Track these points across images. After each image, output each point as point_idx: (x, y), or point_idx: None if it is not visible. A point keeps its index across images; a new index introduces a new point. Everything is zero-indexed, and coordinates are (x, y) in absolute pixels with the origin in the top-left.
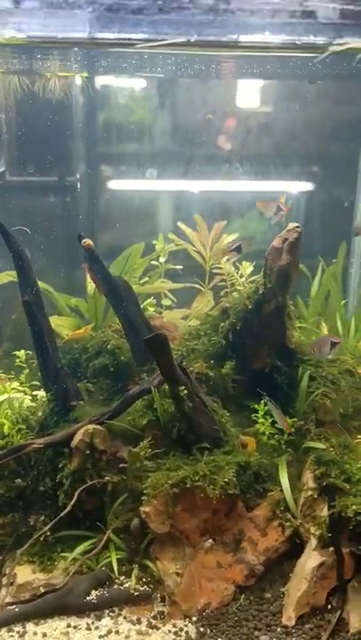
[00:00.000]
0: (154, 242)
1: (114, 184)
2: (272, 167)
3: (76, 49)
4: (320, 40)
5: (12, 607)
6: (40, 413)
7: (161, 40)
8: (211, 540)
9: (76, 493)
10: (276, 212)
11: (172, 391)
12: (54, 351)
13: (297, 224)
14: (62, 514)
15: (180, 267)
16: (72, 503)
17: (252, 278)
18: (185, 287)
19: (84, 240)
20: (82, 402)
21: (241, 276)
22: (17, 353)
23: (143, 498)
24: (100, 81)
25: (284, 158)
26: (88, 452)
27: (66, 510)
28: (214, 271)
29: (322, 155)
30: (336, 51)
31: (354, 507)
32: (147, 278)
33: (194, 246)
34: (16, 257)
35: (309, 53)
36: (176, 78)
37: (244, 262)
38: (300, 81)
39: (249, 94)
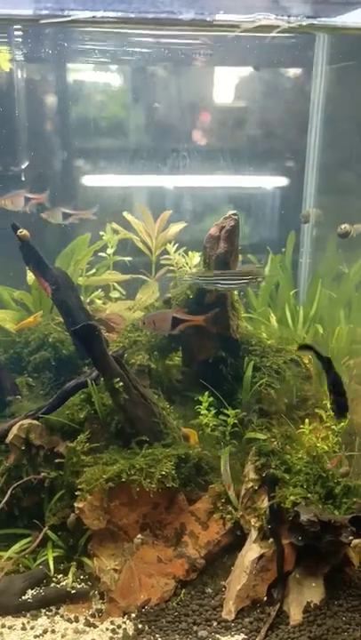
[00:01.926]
0: (101, 232)
1: (60, 174)
2: (222, 160)
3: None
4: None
5: None
6: None
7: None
8: (140, 536)
9: (10, 489)
10: (26, 203)
11: (107, 383)
12: None
13: (234, 212)
14: None
15: (129, 258)
16: (5, 500)
17: (194, 270)
18: (136, 279)
19: (19, 230)
20: (19, 397)
21: (190, 267)
22: None
23: (78, 494)
24: (40, 66)
25: (233, 151)
26: (24, 447)
27: None
28: (162, 262)
29: (270, 146)
30: (247, 29)
31: (292, 497)
32: (94, 270)
33: (139, 237)
34: None
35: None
36: (120, 61)
37: (190, 252)
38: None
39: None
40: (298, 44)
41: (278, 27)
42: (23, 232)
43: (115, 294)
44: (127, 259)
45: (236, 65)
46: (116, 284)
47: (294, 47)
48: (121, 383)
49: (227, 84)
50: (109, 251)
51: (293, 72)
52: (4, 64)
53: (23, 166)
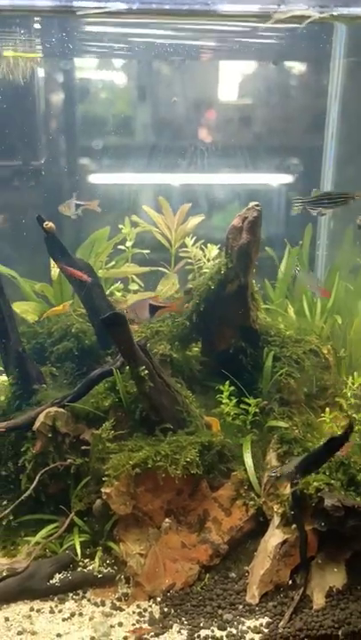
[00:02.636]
0: (120, 226)
1: (79, 168)
2: (243, 158)
3: (37, 25)
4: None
5: None
6: (2, 398)
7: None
8: (169, 520)
9: (38, 476)
10: (77, 209)
11: (133, 371)
12: (15, 335)
13: (256, 202)
14: (23, 497)
15: (148, 251)
16: (33, 486)
17: (217, 261)
18: (153, 271)
19: (45, 222)
20: (44, 385)
21: (208, 260)
22: None
23: (105, 479)
24: (63, 64)
25: (254, 148)
26: (50, 435)
27: (26, 493)
28: (181, 254)
29: (287, 139)
30: (280, 19)
31: (315, 484)
32: (113, 262)
33: (159, 230)
34: None
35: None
36: (135, 57)
37: (209, 245)
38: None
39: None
40: (316, 36)
41: (310, 17)
42: (49, 224)
43: (133, 286)
44: (145, 251)
45: (253, 59)
46: (134, 277)
47: (312, 40)
48: (146, 371)
49: (244, 79)
50: (128, 244)
51: (311, 65)
52: (31, 55)
53: (43, 160)
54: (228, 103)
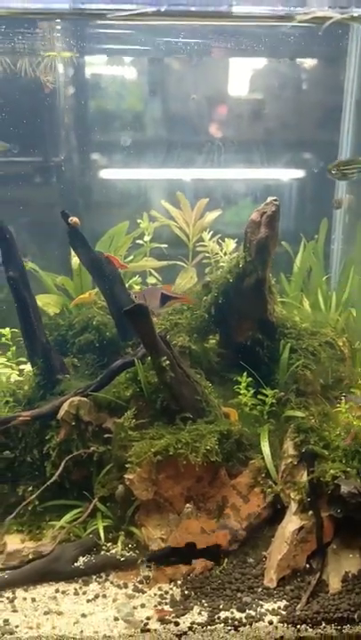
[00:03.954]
0: (138, 220)
1: (98, 164)
2: (259, 154)
3: (58, 26)
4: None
5: (1, 574)
6: (27, 387)
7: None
8: (190, 505)
9: (63, 463)
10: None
11: (154, 362)
12: (40, 326)
13: (275, 197)
14: (48, 483)
15: (165, 245)
16: (58, 472)
17: (235, 254)
18: (171, 265)
19: (70, 218)
20: (67, 375)
21: (225, 254)
22: (2, 331)
23: (128, 466)
24: (83, 61)
25: (269, 142)
26: (74, 423)
27: (52, 479)
28: (198, 249)
29: (304, 134)
30: (303, 20)
31: (332, 471)
32: (132, 257)
33: (177, 224)
34: (0, 235)
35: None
36: (156, 55)
37: (226, 239)
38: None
39: (234, 77)
40: (332, 33)
41: (331, 18)
42: (74, 219)
43: (151, 280)
44: (163, 246)
45: (271, 56)
46: (152, 271)
47: (329, 37)
48: (168, 362)
49: (260, 75)
50: (146, 238)
51: (327, 62)
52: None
53: (62, 157)
54: (244, 99)
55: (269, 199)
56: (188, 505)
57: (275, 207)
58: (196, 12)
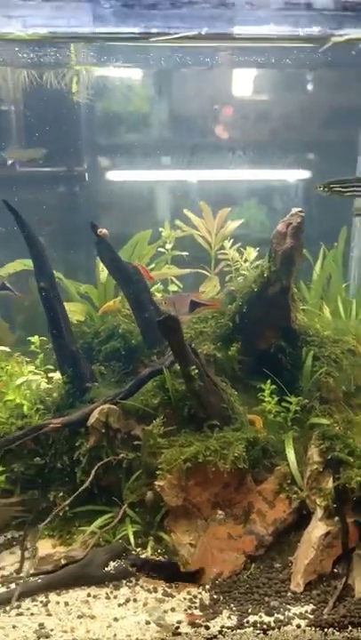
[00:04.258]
0: (160, 229)
1: (119, 173)
2: (270, 155)
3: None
4: (320, 31)
5: (35, 578)
6: (56, 395)
7: (173, 33)
8: (222, 512)
9: (94, 469)
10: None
11: (184, 371)
12: (69, 335)
13: (300, 209)
14: (81, 489)
15: (186, 253)
16: (90, 479)
17: (257, 263)
18: (190, 273)
19: (99, 230)
20: (96, 383)
21: (245, 261)
22: (31, 339)
23: (158, 472)
24: (103, 73)
25: (282, 145)
26: (104, 430)
27: (84, 486)
28: (219, 257)
29: (321, 140)
30: (338, 41)
31: (357, 478)
32: (153, 265)
33: (199, 233)
34: (31, 245)
35: (310, 44)
36: (177, 69)
37: (248, 248)
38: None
39: (249, 83)
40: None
41: None
42: (103, 231)
43: (173, 287)
44: (185, 254)
45: (295, 67)
46: (174, 278)
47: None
48: (196, 371)
49: (285, 84)
50: (168, 246)
51: (347, 69)
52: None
53: (86, 166)
54: (264, 103)
55: (294, 210)
56: (220, 512)
57: (300, 218)
58: (236, 35)
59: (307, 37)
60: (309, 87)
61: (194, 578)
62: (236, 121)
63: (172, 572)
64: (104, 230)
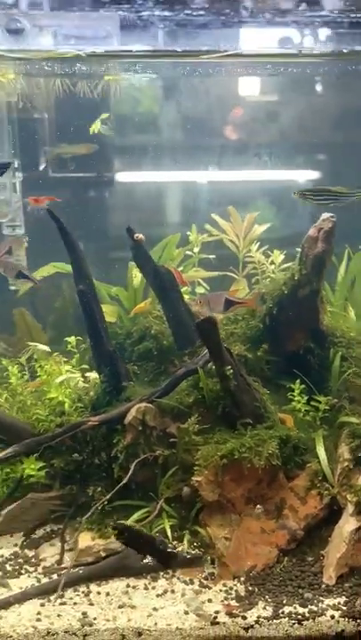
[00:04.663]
0: (188, 233)
1: (146, 177)
2: (292, 157)
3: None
4: None
5: (76, 570)
6: (92, 393)
7: (224, 51)
8: (260, 507)
9: (132, 465)
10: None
11: (219, 370)
12: (106, 335)
13: (331, 214)
14: (120, 484)
15: (213, 256)
16: (129, 475)
17: (284, 266)
18: (217, 276)
19: (136, 235)
20: (132, 382)
21: (271, 264)
22: (68, 339)
23: (195, 469)
24: (132, 81)
25: (302, 146)
26: (140, 428)
27: (123, 481)
28: (246, 260)
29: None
30: None
31: None
32: (182, 267)
33: (228, 236)
34: (71, 249)
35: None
36: (205, 76)
37: (275, 251)
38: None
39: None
40: None
41: None
42: (140, 236)
43: (200, 290)
44: (212, 256)
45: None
46: (201, 281)
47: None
48: (231, 370)
49: (314, 92)
50: (195, 249)
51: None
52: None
53: (115, 171)
54: (282, 106)
55: (326, 215)
56: (258, 506)
57: (331, 224)
58: (276, 53)
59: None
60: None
61: (167, 560)
62: (257, 124)
63: (161, 554)
64: (140, 235)
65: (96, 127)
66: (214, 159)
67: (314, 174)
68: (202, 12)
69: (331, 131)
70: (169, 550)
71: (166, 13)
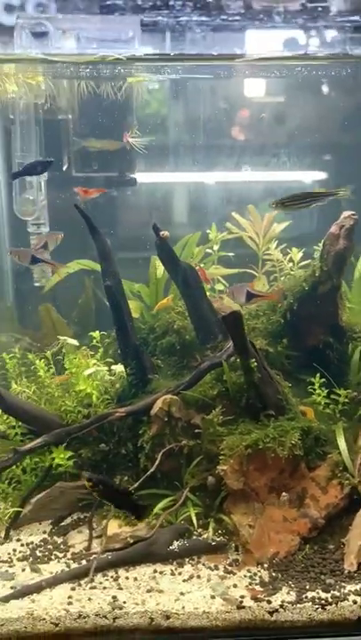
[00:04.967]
0: (208, 231)
1: (168, 178)
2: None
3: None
4: None
5: (104, 555)
6: (118, 385)
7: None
8: (286, 494)
9: (159, 455)
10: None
11: (244, 363)
12: (132, 330)
13: (353, 212)
14: (147, 474)
15: (232, 254)
16: (156, 465)
17: (303, 263)
18: (236, 273)
19: (161, 232)
20: (157, 375)
21: (290, 261)
22: (92, 334)
23: (221, 458)
24: (154, 84)
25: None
26: (166, 419)
27: (150, 471)
28: (265, 258)
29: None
30: None
31: None
32: (203, 265)
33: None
34: (100, 246)
35: None
36: (228, 78)
37: (293, 249)
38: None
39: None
40: None
41: None
42: (165, 233)
43: (219, 287)
44: (231, 254)
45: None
46: (220, 278)
47: None
48: (256, 363)
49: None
50: (215, 247)
51: None
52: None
53: (136, 171)
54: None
55: (347, 213)
56: (284, 494)
57: (353, 221)
58: (311, 55)
59: None
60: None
61: (137, 513)
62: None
63: (121, 500)
64: (165, 232)
65: (126, 139)
66: (233, 159)
67: (330, 174)
68: (237, 18)
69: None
70: (140, 503)
71: (203, 18)
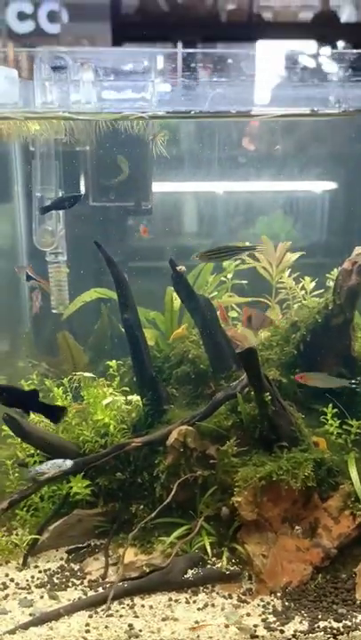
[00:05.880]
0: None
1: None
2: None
3: None
4: None
5: (120, 583)
6: (134, 415)
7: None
8: (299, 527)
9: (175, 485)
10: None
11: (258, 397)
12: (149, 361)
13: None
14: (163, 504)
15: (246, 282)
16: (172, 495)
17: (315, 292)
18: (249, 301)
19: (178, 267)
20: (172, 405)
21: (302, 289)
22: (109, 363)
23: (236, 489)
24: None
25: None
26: (181, 449)
27: (166, 501)
28: (278, 286)
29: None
30: None
31: None
32: (216, 293)
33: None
34: (117, 279)
35: None
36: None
37: (305, 278)
38: None
39: None
40: None
41: None
42: (182, 268)
43: (232, 314)
44: (244, 282)
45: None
46: (233, 305)
47: None
48: (270, 397)
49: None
50: (228, 275)
51: None
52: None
53: (152, 201)
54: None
55: (360, 249)
56: (297, 527)
57: None
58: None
59: None
60: None
61: (53, 415)
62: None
63: (31, 405)
64: (182, 267)
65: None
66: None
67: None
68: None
69: None
70: (52, 405)
71: (223, 79)
